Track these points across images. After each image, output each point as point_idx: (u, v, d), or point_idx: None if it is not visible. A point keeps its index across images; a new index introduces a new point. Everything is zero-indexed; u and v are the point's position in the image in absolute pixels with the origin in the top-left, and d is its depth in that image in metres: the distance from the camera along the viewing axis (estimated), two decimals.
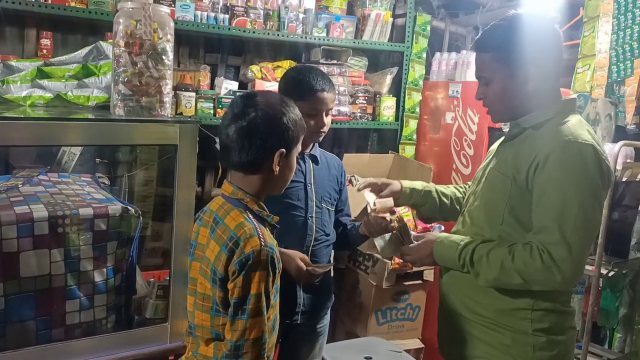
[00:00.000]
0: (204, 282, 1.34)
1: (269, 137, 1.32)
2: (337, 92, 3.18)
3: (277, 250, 1.34)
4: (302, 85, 1.87)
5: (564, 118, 1.49)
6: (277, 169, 1.35)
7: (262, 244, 1.27)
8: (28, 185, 1.78)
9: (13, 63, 1.95)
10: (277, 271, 1.32)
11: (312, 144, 1.98)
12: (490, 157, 1.67)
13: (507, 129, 1.64)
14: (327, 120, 1.92)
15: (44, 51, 2.49)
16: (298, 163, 1.93)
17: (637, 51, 2.67)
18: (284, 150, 1.35)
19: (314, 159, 1.98)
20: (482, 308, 1.56)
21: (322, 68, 3.13)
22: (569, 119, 1.50)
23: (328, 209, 1.98)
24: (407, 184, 1.85)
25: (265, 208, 1.42)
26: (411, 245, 1.67)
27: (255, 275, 1.26)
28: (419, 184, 1.87)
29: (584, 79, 2.87)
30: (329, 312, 2.12)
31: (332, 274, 2.21)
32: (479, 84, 1.59)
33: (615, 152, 2.56)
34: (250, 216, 1.34)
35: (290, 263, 1.73)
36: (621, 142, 2.67)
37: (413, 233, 1.72)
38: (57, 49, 2.61)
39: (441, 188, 1.89)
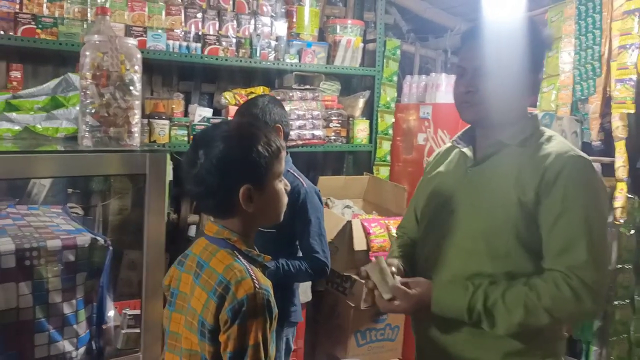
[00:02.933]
0: (190, 337, 1.20)
1: (226, 178, 1.20)
2: (310, 116, 3.23)
3: (272, 292, 1.20)
4: None
5: (543, 133, 1.42)
6: (252, 206, 1.22)
7: (257, 286, 1.14)
8: None
9: None
10: (274, 317, 1.18)
11: None
12: (453, 183, 1.49)
13: (465, 148, 1.50)
14: None
15: (14, 83, 2.49)
16: None
17: (599, 70, 2.75)
18: (249, 186, 1.22)
19: None
20: (487, 353, 1.39)
21: (295, 93, 3.19)
22: (550, 133, 1.43)
23: (264, 230, 1.88)
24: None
25: (255, 247, 1.30)
26: (400, 287, 1.38)
27: (252, 323, 1.11)
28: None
29: (549, 98, 2.95)
30: None
31: None
32: (466, 75, 1.43)
33: None
34: (240, 257, 1.21)
35: None
36: None
37: (398, 278, 1.44)
38: (28, 81, 2.62)
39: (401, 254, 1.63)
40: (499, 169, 1.40)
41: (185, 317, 1.23)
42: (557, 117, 2.91)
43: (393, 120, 3.56)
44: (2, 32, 2.45)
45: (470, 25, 1.49)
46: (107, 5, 2.68)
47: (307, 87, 3.29)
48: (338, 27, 3.41)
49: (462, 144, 1.52)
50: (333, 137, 3.37)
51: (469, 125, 1.54)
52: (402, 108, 3.53)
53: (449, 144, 1.64)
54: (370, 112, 3.58)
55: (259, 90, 3.15)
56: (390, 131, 3.57)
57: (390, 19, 3.76)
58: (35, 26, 2.52)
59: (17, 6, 2.52)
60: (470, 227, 1.40)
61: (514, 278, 1.33)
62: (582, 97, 2.91)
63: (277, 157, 1.26)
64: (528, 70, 1.41)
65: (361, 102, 3.49)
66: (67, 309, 1.67)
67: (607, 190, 1.41)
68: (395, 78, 3.59)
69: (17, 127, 1.85)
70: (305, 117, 3.21)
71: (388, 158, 3.58)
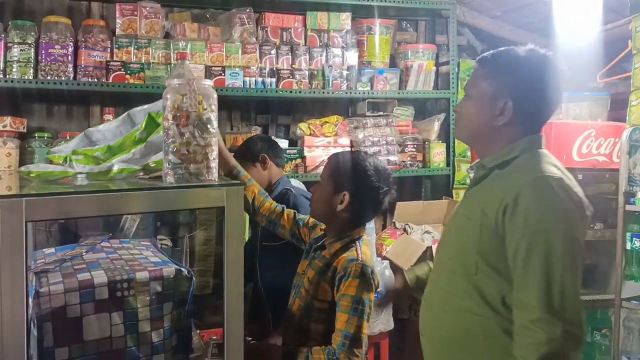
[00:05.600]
0: None
1: None
2: (384, 142, 3.24)
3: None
4: None
5: (529, 155, 1.42)
6: None
7: None
8: (91, 253, 1.90)
9: None
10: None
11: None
12: (459, 206, 1.58)
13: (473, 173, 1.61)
14: None
15: None
16: None
17: None
18: None
19: None
20: None
21: (368, 120, 3.22)
22: (534, 154, 1.42)
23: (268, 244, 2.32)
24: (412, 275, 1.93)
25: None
26: None
27: None
28: (421, 270, 1.93)
29: (639, 112, 2.77)
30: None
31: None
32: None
33: None
34: None
35: None
36: None
37: None
38: None
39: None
40: (479, 192, 1.47)
41: None
42: None
43: None
44: (96, 80, 2.67)
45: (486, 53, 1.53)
46: (188, 48, 2.86)
47: (381, 113, 3.30)
48: (409, 52, 3.41)
49: (474, 168, 1.61)
50: (409, 162, 3.35)
51: None
52: None
53: None
54: (446, 134, 3.53)
55: (333, 119, 3.21)
56: (469, 153, 3.49)
57: (463, 40, 3.71)
58: (124, 72, 2.73)
59: (108, 55, 2.75)
60: (451, 245, 1.51)
61: (482, 294, 1.38)
62: None
63: None
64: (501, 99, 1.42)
65: (436, 126, 3.45)
66: (155, 338, 1.75)
67: (581, 207, 1.35)
68: None
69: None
70: (379, 143, 3.22)
71: (468, 181, 3.49)
